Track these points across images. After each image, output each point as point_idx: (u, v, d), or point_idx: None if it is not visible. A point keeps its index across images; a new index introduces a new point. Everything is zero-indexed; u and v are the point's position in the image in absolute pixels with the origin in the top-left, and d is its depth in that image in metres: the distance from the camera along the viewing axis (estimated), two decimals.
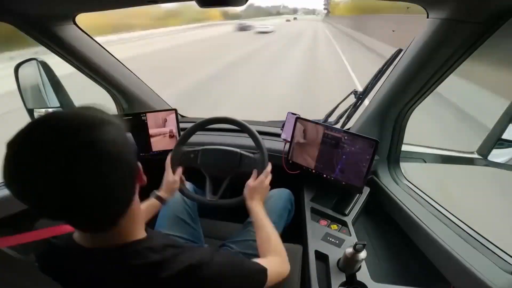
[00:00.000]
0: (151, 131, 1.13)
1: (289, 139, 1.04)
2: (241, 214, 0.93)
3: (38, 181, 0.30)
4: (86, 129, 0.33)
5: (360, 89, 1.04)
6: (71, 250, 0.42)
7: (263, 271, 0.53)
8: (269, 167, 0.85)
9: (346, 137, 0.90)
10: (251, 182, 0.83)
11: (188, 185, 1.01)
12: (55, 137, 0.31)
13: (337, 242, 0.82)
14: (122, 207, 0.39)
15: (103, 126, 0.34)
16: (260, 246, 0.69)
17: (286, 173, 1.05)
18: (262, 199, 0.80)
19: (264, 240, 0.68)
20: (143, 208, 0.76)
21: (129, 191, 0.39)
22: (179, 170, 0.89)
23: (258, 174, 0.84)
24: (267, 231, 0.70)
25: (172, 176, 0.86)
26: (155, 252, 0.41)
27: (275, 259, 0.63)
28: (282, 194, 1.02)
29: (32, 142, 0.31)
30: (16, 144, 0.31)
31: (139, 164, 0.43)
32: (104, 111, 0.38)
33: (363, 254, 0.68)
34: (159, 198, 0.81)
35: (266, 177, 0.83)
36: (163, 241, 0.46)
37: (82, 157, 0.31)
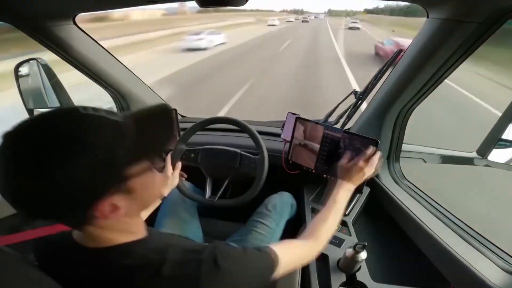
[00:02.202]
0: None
1: (289, 139, 1.04)
2: (241, 214, 0.94)
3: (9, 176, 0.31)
4: (65, 135, 0.32)
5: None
6: (68, 248, 0.42)
7: (267, 256, 0.48)
8: (379, 153, 0.75)
9: (346, 137, 0.90)
10: (344, 161, 0.75)
11: (188, 184, 1.01)
12: (27, 132, 0.32)
13: (337, 242, 0.82)
14: (77, 216, 0.36)
15: (86, 134, 0.33)
16: (311, 224, 0.64)
17: (286, 173, 1.05)
18: (355, 183, 0.71)
19: (319, 220, 0.64)
20: None
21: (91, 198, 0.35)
22: (179, 165, 0.89)
23: (352, 155, 0.77)
24: (329, 214, 0.64)
25: (171, 171, 0.86)
26: (155, 253, 0.40)
27: (313, 243, 0.59)
28: (283, 198, 1.02)
29: (9, 141, 0.32)
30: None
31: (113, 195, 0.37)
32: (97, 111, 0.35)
33: (363, 255, 0.68)
34: None
35: (365, 162, 0.73)
36: (163, 240, 0.45)
37: (51, 151, 0.31)
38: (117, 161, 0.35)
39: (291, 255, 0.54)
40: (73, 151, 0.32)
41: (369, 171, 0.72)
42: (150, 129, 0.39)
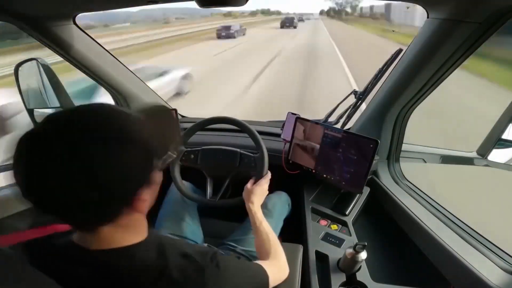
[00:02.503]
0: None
1: (289, 139, 1.04)
2: (241, 213, 0.93)
3: (30, 176, 0.31)
4: (89, 125, 0.33)
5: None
6: (67, 250, 0.41)
7: (264, 275, 0.52)
8: (269, 174, 0.86)
9: (346, 137, 0.90)
10: (249, 185, 0.82)
11: (188, 184, 1.01)
12: (53, 131, 0.32)
13: (337, 242, 0.82)
14: (105, 213, 0.36)
15: (112, 133, 0.34)
16: (260, 249, 0.69)
17: (286, 173, 1.05)
18: (260, 202, 0.80)
19: (263, 242, 0.68)
20: None
21: (122, 201, 0.36)
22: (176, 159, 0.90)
23: (257, 178, 0.84)
24: (266, 234, 0.69)
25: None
26: (156, 255, 0.40)
27: (274, 263, 0.63)
28: (281, 197, 1.03)
29: (33, 136, 0.32)
30: (23, 139, 0.32)
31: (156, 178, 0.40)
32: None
33: (363, 255, 0.68)
34: None
35: (266, 181, 0.84)
36: (163, 242, 0.45)
37: (78, 151, 0.31)
38: (151, 153, 0.37)
39: (274, 273, 0.56)
40: (119, 147, 0.33)
41: (265, 191, 0.83)
42: (160, 126, 0.41)
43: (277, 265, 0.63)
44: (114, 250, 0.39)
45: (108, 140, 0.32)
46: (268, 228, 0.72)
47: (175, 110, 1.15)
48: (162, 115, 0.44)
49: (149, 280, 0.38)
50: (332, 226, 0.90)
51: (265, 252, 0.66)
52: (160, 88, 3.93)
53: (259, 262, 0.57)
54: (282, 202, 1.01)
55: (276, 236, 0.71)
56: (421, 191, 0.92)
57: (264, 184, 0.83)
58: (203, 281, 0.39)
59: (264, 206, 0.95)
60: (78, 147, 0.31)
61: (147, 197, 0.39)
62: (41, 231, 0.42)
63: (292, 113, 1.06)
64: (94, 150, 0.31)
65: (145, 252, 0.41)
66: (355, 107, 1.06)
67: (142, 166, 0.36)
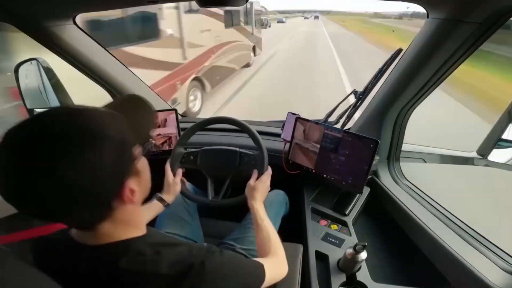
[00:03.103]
0: (152, 131, 1.13)
1: (289, 139, 1.04)
2: (240, 213, 0.93)
3: (9, 180, 0.31)
4: (67, 134, 0.32)
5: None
6: (67, 246, 0.42)
7: (260, 267, 0.52)
8: (270, 169, 0.86)
9: (346, 137, 0.90)
10: (252, 181, 0.83)
11: (188, 185, 1.01)
12: (28, 138, 0.31)
13: (337, 242, 0.82)
14: (100, 211, 0.37)
15: (90, 133, 0.33)
16: (260, 246, 0.69)
17: (286, 173, 1.05)
18: (262, 199, 0.81)
19: (263, 240, 0.68)
20: (145, 209, 0.76)
21: (108, 195, 0.36)
22: (179, 171, 0.89)
23: (259, 174, 0.84)
24: (267, 231, 0.70)
25: (172, 178, 0.86)
26: (153, 250, 0.41)
27: (274, 260, 0.63)
28: (278, 195, 1.03)
29: (8, 139, 0.31)
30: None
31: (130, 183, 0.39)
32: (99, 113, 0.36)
33: (363, 255, 0.68)
34: (161, 200, 0.81)
35: (267, 177, 0.84)
36: (162, 238, 0.46)
37: (53, 160, 0.30)
38: (127, 145, 0.37)
39: (272, 271, 0.56)
40: (91, 145, 0.32)
41: (268, 187, 0.83)
42: (134, 116, 0.41)
43: (276, 262, 0.63)
44: (111, 244, 0.40)
45: (78, 141, 0.32)
46: (269, 226, 0.72)
47: (175, 110, 1.15)
48: (134, 103, 0.44)
49: (145, 274, 0.39)
50: (332, 226, 0.90)
51: (265, 249, 0.66)
52: None
53: (258, 259, 0.57)
54: (280, 201, 1.01)
55: (276, 233, 0.71)
56: (421, 191, 0.92)
57: (266, 181, 0.83)
58: (195, 276, 0.40)
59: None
60: (51, 154, 0.30)
61: (136, 187, 0.39)
62: (42, 230, 0.42)
63: (292, 113, 1.06)
64: (67, 153, 0.31)
65: (141, 246, 0.41)
66: (355, 107, 1.06)
67: (120, 158, 0.36)
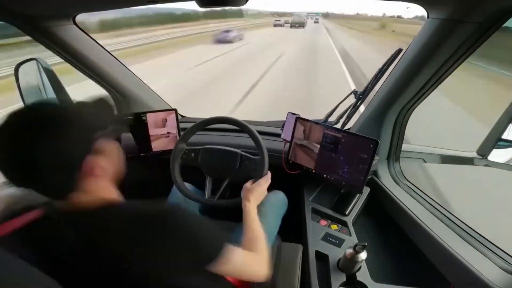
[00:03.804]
0: (151, 131, 1.13)
1: (289, 139, 1.04)
2: (241, 213, 0.93)
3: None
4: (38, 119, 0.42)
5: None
6: (54, 220, 0.46)
7: (223, 245, 0.51)
8: (269, 174, 0.86)
9: (346, 137, 0.90)
10: (249, 184, 0.83)
11: (188, 185, 1.01)
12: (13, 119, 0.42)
13: (337, 242, 0.82)
14: (66, 180, 0.44)
15: (57, 118, 0.43)
16: (246, 244, 0.66)
17: (286, 173, 1.05)
18: (257, 202, 0.80)
19: (250, 239, 0.67)
20: None
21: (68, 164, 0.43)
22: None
23: (257, 177, 0.84)
24: (257, 233, 0.69)
25: None
26: (122, 215, 0.47)
27: (252, 254, 0.62)
28: (278, 196, 1.02)
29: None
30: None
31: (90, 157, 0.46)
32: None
33: (363, 255, 0.68)
34: None
35: (265, 181, 0.84)
36: (134, 205, 0.49)
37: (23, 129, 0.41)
38: (90, 127, 0.47)
39: (244, 261, 0.56)
40: (56, 128, 0.42)
41: (264, 191, 0.84)
42: (97, 107, 0.53)
43: (253, 257, 0.61)
44: (83, 210, 0.46)
45: (50, 122, 0.42)
46: (259, 228, 0.71)
47: (175, 110, 1.15)
48: (98, 100, 0.53)
49: (113, 235, 0.44)
50: (332, 226, 0.90)
51: (250, 247, 0.64)
52: None
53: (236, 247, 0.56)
54: (280, 201, 1.01)
55: (264, 239, 0.70)
56: (421, 191, 0.92)
57: (263, 184, 0.83)
58: (163, 222, 0.46)
59: (261, 205, 0.95)
60: (30, 133, 0.40)
61: (104, 164, 0.48)
62: (31, 215, 0.47)
63: (292, 113, 1.06)
64: (41, 131, 0.41)
65: (115, 212, 0.47)
66: (355, 107, 1.06)
67: (82, 137, 0.45)
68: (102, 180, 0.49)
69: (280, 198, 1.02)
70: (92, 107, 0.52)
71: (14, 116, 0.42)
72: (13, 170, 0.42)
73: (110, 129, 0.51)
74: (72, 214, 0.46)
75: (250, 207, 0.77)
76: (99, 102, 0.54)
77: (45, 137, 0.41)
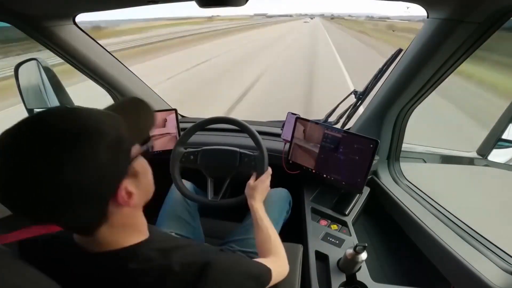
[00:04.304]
0: (151, 131, 1.13)
1: (289, 139, 1.04)
2: (241, 213, 0.93)
3: (4, 181, 0.30)
4: (64, 133, 0.31)
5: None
6: (70, 250, 0.41)
7: (267, 271, 0.52)
8: (270, 169, 0.87)
9: (346, 137, 0.90)
10: (252, 181, 0.83)
11: (189, 185, 1.01)
12: (25, 138, 0.30)
13: (337, 242, 0.82)
14: (96, 217, 0.36)
15: (88, 133, 0.32)
16: (260, 246, 0.69)
17: (286, 173, 1.05)
18: (262, 198, 0.81)
19: (264, 240, 0.68)
20: None
21: (101, 202, 0.35)
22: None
23: (258, 175, 0.85)
24: (267, 231, 0.70)
25: None
26: (161, 254, 0.40)
27: (275, 260, 0.63)
28: (281, 193, 1.02)
29: (3, 140, 0.30)
30: None
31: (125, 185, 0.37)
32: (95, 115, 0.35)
33: (363, 256, 0.68)
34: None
35: (267, 177, 0.84)
36: (167, 241, 0.45)
37: (48, 161, 0.29)
38: (124, 142, 0.36)
39: (275, 272, 0.55)
40: (85, 144, 0.31)
41: (267, 187, 0.84)
42: (133, 116, 0.41)
43: (277, 262, 0.62)
44: (114, 251, 0.39)
45: (74, 139, 0.31)
46: (269, 225, 0.72)
47: (175, 110, 1.15)
48: (132, 104, 0.43)
49: (153, 279, 0.38)
50: (332, 226, 0.90)
51: (266, 249, 0.66)
52: None
53: (261, 260, 0.57)
54: (283, 199, 1.00)
55: (277, 233, 0.71)
56: (421, 191, 0.92)
57: (266, 180, 0.84)
58: (202, 278, 0.39)
59: (264, 203, 0.95)
60: (47, 152, 0.30)
61: (134, 189, 0.38)
62: (46, 229, 0.42)
63: (292, 113, 1.06)
64: (62, 151, 0.30)
65: (148, 252, 0.40)
66: (355, 107, 1.06)
67: (116, 156, 0.34)
68: (133, 210, 0.41)
69: (282, 196, 1.01)
70: (130, 113, 0.41)
71: (25, 127, 0.31)
72: (23, 202, 0.30)
73: (149, 142, 0.43)
74: (90, 253, 0.38)
75: (257, 205, 0.77)
76: (138, 106, 0.43)
77: (67, 156, 0.30)
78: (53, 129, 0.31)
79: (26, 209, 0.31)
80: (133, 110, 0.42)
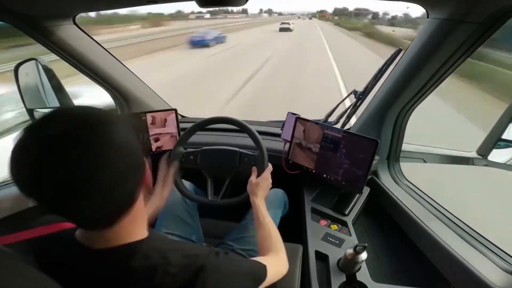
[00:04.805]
0: (151, 131, 1.13)
1: (289, 139, 1.04)
2: (240, 213, 0.94)
3: (38, 172, 0.30)
4: (91, 121, 0.34)
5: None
6: (71, 249, 0.41)
7: (262, 268, 0.53)
8: (270, 166, 0.87)
9: (346, 137, 0.90)
10: (253, 178, 0.83)
11: (188, 185, 1.01)
12: (56, 128, 0.32)
13: (337, 242, 0.82)
14: (125, 204, 0.38)
15: (110, 120, 0.35)
16: (261, 243, 0.69)
17: (286, 173, 1.05)
18: (264, 195, 0.81)
19: (265, 237, 0.68)
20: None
21: (133, 188, 0.38)
22: (175, 163, 0.90)
23: (259, 172, 0.85)
24: (269, 229, 0.70)
25: (165, 170, 0.86)
26: (157, 253, 0.41)
27: (275, 257, 0.63)
28: (277, 194, 1.03)
29: (33, 133, 0.32)
30: (22, 138, 0.32)
31: (147, 163, 0.42)
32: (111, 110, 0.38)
33: (363, 256, 0.68)
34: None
35: (269, 174, 0.85)
36: (164, 241, 0.46)
37: (83, 148, 0.31)
38: (141, 154, 0.40)
39: (274, 270, 0.56)
40: (118, 144, 0.34)
41: (269, 184, 0.85)
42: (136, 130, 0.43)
43: (277, 260, 0.63)
44: (115, 248, 0.40)
45: (107, 125, 0.34)
46: (270, 223, 0.72)
47: (175, 110, 1.15)
48: (135, 120, 0.47)
49: (151, 278, 0.39)
50: (332, 226, 0.90)
51: (266, 246, 0.66)
52: None
53: (258, 258, 0.57)
54: (279, 200, 1.01)
55: (277, 231, 0.72)
56: (421, 191, 0.92)
57: (268, 177, 0.84)
58: (198, 278, 0.40)
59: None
60: (88, 151, 0.32)
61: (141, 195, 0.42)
62: (42, 230, 0.42)
63: (292, 113, 1.06)
64: (100, 153, 0.32)
65: (147, 250, 0.41)
66: (355, 107, 1.06)
67: (137, 167, 0.38)
68: (141, 204, 0.43)
69: (279, 197, 1.02)
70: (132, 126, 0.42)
71: (56, 122, 0.32)
72: (56, 196, 0.32)
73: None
74: (93, 250, 0.40)
75: (259, 201, 0.78)
76: (135, 120, 0.47)
77: (105, 156, 0.33)
78: (89, 117, 0.34)
79: (60, 195, 0.32)
80: (136, 125, 0.45)
